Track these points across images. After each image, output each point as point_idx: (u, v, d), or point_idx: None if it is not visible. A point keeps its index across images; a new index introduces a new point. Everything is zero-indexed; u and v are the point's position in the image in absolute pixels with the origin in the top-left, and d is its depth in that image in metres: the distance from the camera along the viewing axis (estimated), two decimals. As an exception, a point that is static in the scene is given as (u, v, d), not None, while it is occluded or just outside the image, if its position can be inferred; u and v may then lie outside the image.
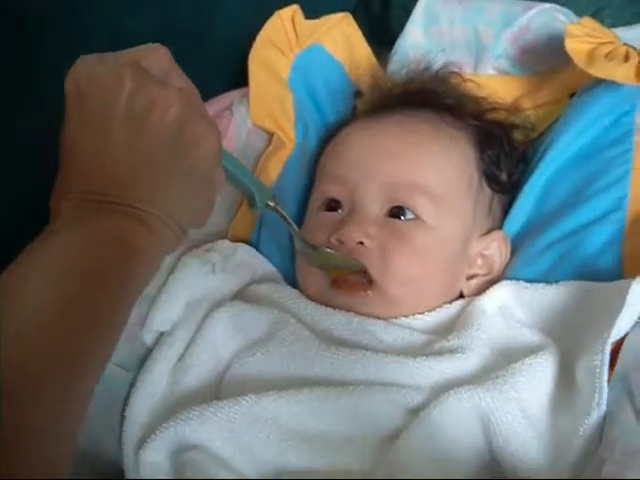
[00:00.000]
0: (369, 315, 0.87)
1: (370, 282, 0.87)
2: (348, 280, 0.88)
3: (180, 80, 0.75)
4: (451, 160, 0.92)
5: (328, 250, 0.88)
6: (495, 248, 0.92)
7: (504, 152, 0.97)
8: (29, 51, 1.00)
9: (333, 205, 0.92)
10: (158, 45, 0.75)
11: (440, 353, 0.81)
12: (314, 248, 0.89)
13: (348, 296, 0.88)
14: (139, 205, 0.69)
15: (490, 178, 0.94)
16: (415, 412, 0.77)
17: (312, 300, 0.90)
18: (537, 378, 0.78)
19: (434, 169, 0.91)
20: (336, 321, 0.86)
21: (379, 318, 0.86)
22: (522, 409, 0.76)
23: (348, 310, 0.87)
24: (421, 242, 0.88)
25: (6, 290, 0.62)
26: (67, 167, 0.72)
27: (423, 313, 0.88)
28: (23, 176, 0.99)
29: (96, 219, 0.68)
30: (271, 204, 0.88)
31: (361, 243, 0.88)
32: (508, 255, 0.92)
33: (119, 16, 1.10)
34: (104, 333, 0.67)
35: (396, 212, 0.89)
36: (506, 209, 0.96)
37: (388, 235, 0.88)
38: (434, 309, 0.88)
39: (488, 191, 0.94)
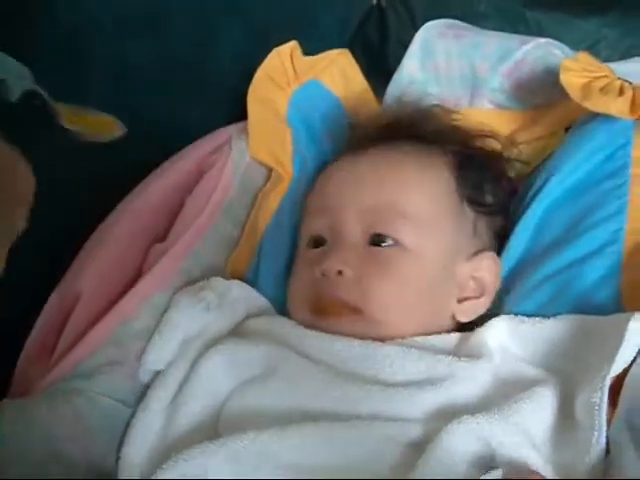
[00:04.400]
0: (361, 336, 0.86)
1: (353, 310, 0.88)
2: (332, 308, 0.88)
3: None
4: (427, 185, 0.93)
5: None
6: (485, 269, 0.92)
7: (486, 176, 0.97)
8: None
9: (318, 242, 0.93)
10: None
11: (443, 380, 0.81)
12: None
13: (335, 323, 0.88)
14: None
15: (471, 201, 0.95)
16: (419, 445, 0.76)
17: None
18: (542, 407, 0.78)
19: (409, 192, 0.92)
20: (336, 348, 0.86)
21: (372, 339, 0.86)
22: (529, 437, 0.76)
23: (336, 334, 0.87)
24: (400, 266, 0.89)
25: None
26: None
27: (420, 336, 0.87)
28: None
29: None
30: None
31: (340, 272, 0.88)
32: (499, 275, 0.92)
33: (120, 49, 1.11)
34: None
35: (376, 240, 0.90)
36: (498, 234, 0.96)
37: (367, 263, 0.88)
38: (431, 334, 0.88)
39: (471, 213, 0.95)
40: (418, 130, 0.99)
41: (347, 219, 0.91)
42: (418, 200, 0.92)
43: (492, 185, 0.97)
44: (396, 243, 0.89)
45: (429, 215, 0.91)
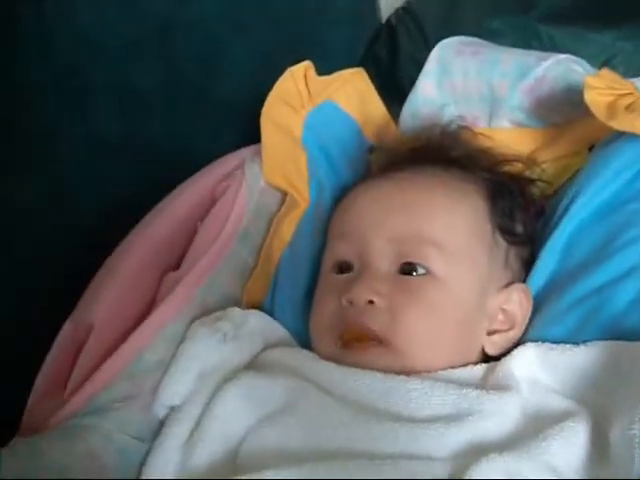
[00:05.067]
0: (386, 370, 0.83)
1: (380, 341, 0.85)
2: (359, 339, 0.86)
3: None
4: (460, 213, 0.91)
5: None
6: (516, 302, 0.89)
7: (518, 204, 0.95)
8: (31, 115, 0.99)
9: (344, 267, 0.91)
10: None
11: (469, 415, 0.78)
12: None
13: (360, 355, 0.85)
14: None
15: (504, 230, 0.92)
16: None
17: (327, 360, 0.87)
18: (572, 443, 0.75)
19: (442, 222, 0.89)
20: (359, 382, 0.83)
21: (397, 373, 0.83)
22: (558, 474, 0.73)
23: (363, 368, 0.84)
24: (432, 297, 0.86)
25: None
26: None
27: (446, 369, 0.85)
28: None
29: None
30: None
31: (371, 302, 0.85)
32: (530, 308, 0.89)
33: (124, 72, 1.10)
34: None
35: (407, 269, 0.87)
36: (527, 262, 0.94)
37: (398, 292, 0.86)
38: (457, 367, 0.85)
39: (503, 243, 0.92)
40: (448, 154, 0.97)
41: (376, 246, 0.88)
42: (450, 228, 0.89)
43: (523, 214, 0.95)
44: (428, 272, 0.87)
45: (462, 244, 0.89)
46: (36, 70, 1.01)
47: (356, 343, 0.85)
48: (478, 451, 0.74)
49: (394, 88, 1.20)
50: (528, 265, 0.93)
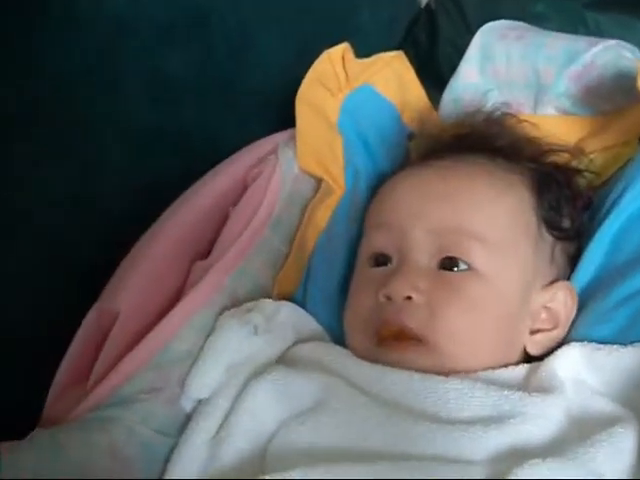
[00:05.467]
0: (424, 370, 0.80)
1: (419, 340, 0.82)
2: (396, 338, 0.82)
3: None
4: (505, 205, 0.87)
5: None
6: (560, 300, 0.86)
7: (565, 197, 0.91)
8: (62, 104, 0.97)
9: (381, 259, 0.87)
10: None
11: (511, 418, 0.75)
12: None
13: (398, 354, 0.82)
14: None
15: (550, 224, 0.89)
16: None
17: (361, 358, 0.84)
18: (619, 450, 0.72)
19: (485, 213, 0.86)
20: (396, 380, 0.80)
21: (437, 373, 0.80)
22: None
23: (400, 367, 0.81)
24: (474, 293, 0.82)
25: None
26: None
27: (486, 370, 0.81)
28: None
29: None
30: None
31: (409, 298, 0.82)
32: (575, 307, 0.86)
33: (155, 58, 1.07)
34: None
35: (448, 264, 0.83)
36: (573, 258, 0.90)
37: (438, 288, 0.82)
38: (498, 367, 0.82)
39: (549, 238, 0.88)
40: (493, 142, 0.93)
41: (415, 238, 0.85)
42: (494, 220, 0.85)
43: (570, 207, 0.91)
44: (470, 268, 0.83)
45: (506, 237, 0.85)
46: (64, 57, 0.99)
47: (394, 341, 0.82)
48: (519, 455, 0.71)
49: (433, 72, 1.18)
50: (574, 260, 0.90)
